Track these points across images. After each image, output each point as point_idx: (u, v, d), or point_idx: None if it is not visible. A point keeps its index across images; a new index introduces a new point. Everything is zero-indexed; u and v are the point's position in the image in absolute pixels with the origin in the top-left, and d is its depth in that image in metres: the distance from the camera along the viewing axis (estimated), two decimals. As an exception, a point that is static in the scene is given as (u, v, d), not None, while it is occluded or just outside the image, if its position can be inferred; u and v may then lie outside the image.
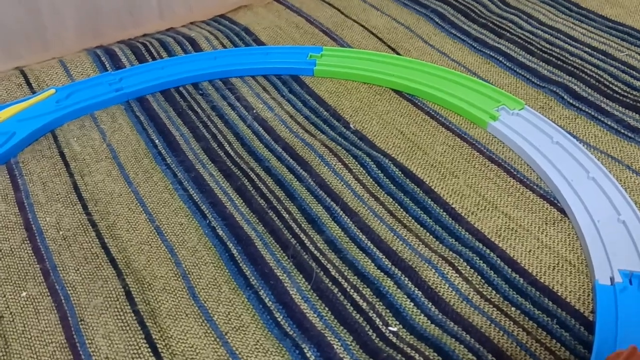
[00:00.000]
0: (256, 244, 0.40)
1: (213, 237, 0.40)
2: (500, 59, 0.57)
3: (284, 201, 0.43)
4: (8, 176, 0.46)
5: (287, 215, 0.42)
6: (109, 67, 0.58)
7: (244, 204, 0.43)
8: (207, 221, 0.42)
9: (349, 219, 0.41)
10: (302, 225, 0.41)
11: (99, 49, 0.60)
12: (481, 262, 0.38)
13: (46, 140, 0.50)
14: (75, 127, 0.51)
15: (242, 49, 0.60)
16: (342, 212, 0.42)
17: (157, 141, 0.49)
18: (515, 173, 0.45)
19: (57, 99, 0.53)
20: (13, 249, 0.40)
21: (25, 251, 0.40)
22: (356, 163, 0.46)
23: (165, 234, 0.41)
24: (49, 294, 0.37)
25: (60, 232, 0.41)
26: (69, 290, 0.37)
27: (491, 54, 0.58)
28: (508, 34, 0.61)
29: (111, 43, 0.64)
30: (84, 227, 0.41)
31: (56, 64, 0.58)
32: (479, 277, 0.37)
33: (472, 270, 0.37)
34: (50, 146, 0.49)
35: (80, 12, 0.60)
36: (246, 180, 0.45)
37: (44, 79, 0.56)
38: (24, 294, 0.37)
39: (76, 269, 0.38)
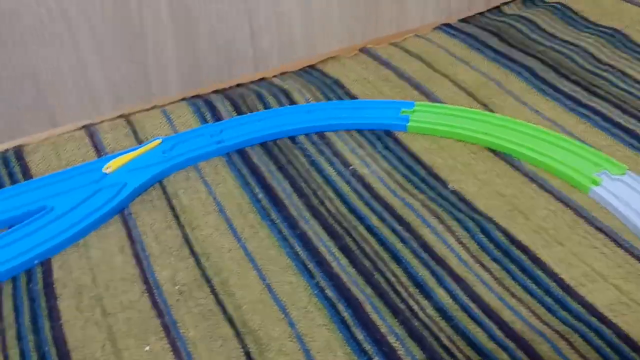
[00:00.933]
0: (365, 308, 0.41)
1: (322, 298, 0.42)
2: (596, 118, 0.57)
3: (389, 263, 0.44)
4: (123, 228, 0.48)
5: (394, 279, 0.43)
6: (209, 117, 0.61)
7: (349, 264, 0.44)
8: (315, 281, 0.43)
9: (456, 285, 0.42)
10: (409, 289, 0.42)
11: (199, 100, 0.63)
12: (597, 338, 0.38)
13: (155, 191, 0.52)
14: (182, 178, 0.53)
15: (334, 103, 0.62)
16: (448, 277, 0.42)
17: (260, 195, 0.51)
18: (622, 243, 0.44)
19: (163, 150, 0.56)
20: (133, 302, 0.42)
21: (145, 304, 0.42)
22: (459, 226, 0.46)
23: (277, 293, 0.42)
24: (171, 349, 0.39)
25: (177, 287, 0.43)
26: (190, 347, 0.39)
27: (585, 112, 0.58)
28: (601, 92, 0.61)
29: (207, 92, 0.67)
30: (199, 282, 0.43)
31: (159, 114, 0.61)
32: (597, 355, 0.37)
33: (589, 347, 0.37)
34: (159, 197, 0.51)
35: (182, 66, 0.63)
36: (349, 239, 0.46)
37: (148, 128, 0.59)
38: (147, 348, 0.39)
39: (195, 325, 0.40)
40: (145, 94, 0.63)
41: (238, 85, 0.68)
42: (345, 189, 0.51)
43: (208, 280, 0.43)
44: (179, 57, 0.62)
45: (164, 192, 0.52)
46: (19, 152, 0.56)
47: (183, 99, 0.65)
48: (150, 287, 0.43)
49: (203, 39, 0.63)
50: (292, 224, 0.48)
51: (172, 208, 0.50)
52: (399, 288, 0.42)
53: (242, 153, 0.56)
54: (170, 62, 0.62)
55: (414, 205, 0.49)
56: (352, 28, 0.71)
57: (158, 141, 0.57)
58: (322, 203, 0.50)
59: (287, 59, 0.69)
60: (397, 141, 0.56)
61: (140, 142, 0.58)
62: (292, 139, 0.58)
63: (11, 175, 0.54)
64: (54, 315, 0.41)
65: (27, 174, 0.54)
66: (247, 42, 0.65)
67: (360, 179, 0.52)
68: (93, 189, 0.52)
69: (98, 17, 0.57)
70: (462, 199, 0.49)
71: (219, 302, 0.42)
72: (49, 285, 0.44)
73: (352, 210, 0.49)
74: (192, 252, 0.46)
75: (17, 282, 0.44)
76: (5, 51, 0.55)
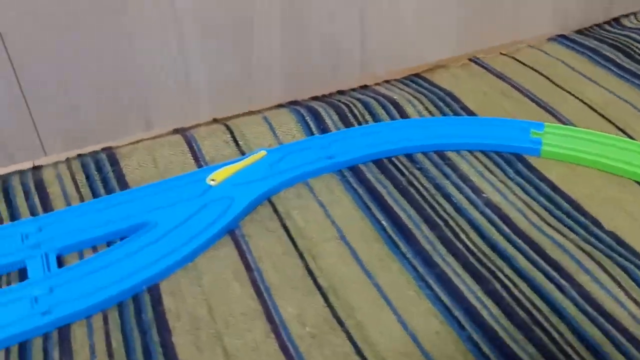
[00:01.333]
0: (532, 370, 0.35)
1: (479, 354, 0.36)
2: None
3: (549, 316, 0.38)
4: (236, 251, 0.43)
5: (558, 336, 0.37)
6: (314, 128, 0.55)
7: (502, 314, 0.38)
8: (466, 333, 0.37)
9: (636, 351, 0.36)
10: (580, 352, 0.36)
11: (301, 108, 0.57)
12: None
13: (264, 209, 0.47)
14: (292, 196, 0.48)
15: (453, 119, 0.56)
16: (625, 340, 0.37)
17: (383, 222, 0.45)
18: None
19: (270, 162, 0.51)
20: (259, 344, 0.37)
21: (272, 347, 0.37)
22: (626, 277, 0.40)
23: (423, 344, 0.37)
24: (310, 406, 0.34)
25: (307, 329, 0.38)
26: (333, 406, 0.34)
27: None
28: None
29: (306, 99, 0.61)
30: (331, 324, 0.38)
31: (261, 120, 0.56)
32: None
33: None
34: (271, 217, 0.46)
35: (286, 66, 0.57)
36: (497, 283, 0.40)
37: (249, 136, 0.54)
38: (280, 402, 0.34)
39: (335, 379, 0.35)
40: (243, 96, 0.57)
41: (339, 92, 0.63)
42: (480, 220, 0.45)
43: (341, 323, 0.38)
44: (284, 56, 0.57)
45: (275, 211, 0.47)
46: (112, 155, 0.51)
47: (281, 106, 0.60)
48: (276, 326, 0.38)
49: (312, 39, 0.57)
50: (427, 260, 0.42)
51: (287, 230, 0.45)
52: (567, 348, 0.36)
53: (354, 170, 0.51)
54: (274, 62, 0.56)
55: (565, 246, 0.43)
56: (462, 36, 0.65)
57: (263, 153, 0.51)
58: (457, 236, 0.44)
59: (395, 65, 0.63)
60: (530, 168, 0.50)
61: (241, 151, 0.53)
62: (409, 156, 0.52)
63: (105, 182, 0.49)
64: (169, 353, 0.36)
65: (122, 181, 0.50)
66: (357, 45, 0.59)
67: (496, 209, 0.46)
68: (198, 203, 0.47)
69: (206, 11, 0.52)
70: (621, 242, 0.43)
71: (358, 351, 0.36)
72: (160, 315, 0.39)
73: (494, 247, 0.43)
74: (317, 286, 0.41)
75: (125, 310, 0.39)
76: (109, 43, 0.50)
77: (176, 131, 0.56)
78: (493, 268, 0.41)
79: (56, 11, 0.46)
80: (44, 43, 0.47)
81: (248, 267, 0.42)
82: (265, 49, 0.55)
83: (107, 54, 0.50)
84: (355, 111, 0.57)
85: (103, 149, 0.53)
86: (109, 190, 0.49)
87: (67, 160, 0.52)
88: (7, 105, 0.49)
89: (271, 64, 0.57)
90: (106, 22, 0.49)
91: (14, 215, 0.46)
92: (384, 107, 0.58)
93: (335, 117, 0.56)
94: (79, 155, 0.52)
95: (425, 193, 0.48)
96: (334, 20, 0.57)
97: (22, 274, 0.41)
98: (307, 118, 0.56)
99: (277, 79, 0.58)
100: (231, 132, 0.54)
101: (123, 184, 0.49)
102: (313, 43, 0.58)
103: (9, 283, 0.41)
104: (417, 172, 0.50)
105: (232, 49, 0.55)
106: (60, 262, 0.42)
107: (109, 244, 0.44)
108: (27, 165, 0.51)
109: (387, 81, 0.63)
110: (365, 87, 0.63)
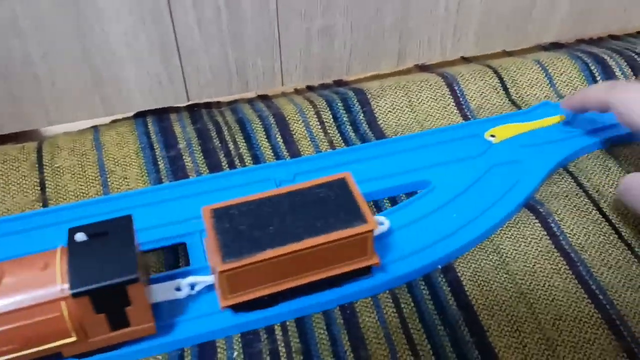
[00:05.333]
0: None
1: None
2: None
3: None
4: (545, 233, 0.33)
5: None
6: (600, 79, 0.44)
7: None
8: None
9: None
10: None
11: (583, 55, 0.46)
12: None
13: (564, 180, 0.37)
14: (597, 168, 0.38)
15: None
16: None
17: None
18: None
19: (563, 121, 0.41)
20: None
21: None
22: None
23: None
24: None
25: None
26: None
27: None
28: None
29: (573, 42, 0.50)
30: None
31: (534, 66, 0.45)
32: None
33: None
34: (577, 193, 0.36)
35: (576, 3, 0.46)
36: None
37: (522, 83, 0.44)
38: None
39: None
40: (519, 34, 0.46)
41: (611, 37, 0.51)
42: None
43: None
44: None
45: (578, 184, 0.37)
46: (361, 93, 0.43)
47: (545, 48, 0.49)
48: (625, 339, 0.29)
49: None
50: None
51: (601, 212, 0.35)
52: None
53: (671, 141, 0.40)
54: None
55: None
56: None
57: (561, 117, 0.41)
58: None
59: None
60: None
61: (511, 101, 0.43)
62: None
63: (355, 125, 0.41)
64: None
65: (374, 126, 0.41)
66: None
67: None
68: (481, 164, 0.38)
69: None
70: None
71: None
72: (466, 308, 0.31)
73: None
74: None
75: (417, 294, 0.31)
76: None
77: (422, 68, 0.47)
78: None
79: None
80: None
81: (568, 258, 0.33)
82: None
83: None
84: (654, 64, 0.45)
85: (354, 86, 0.44)
86: (360, 136, 0.41)
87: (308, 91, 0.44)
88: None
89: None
90: None
91: (256, 156, 0.39)
92: (689, 62, 0.46)
93: (628, 70, 0.45)
94: (322, 86, 0.45)
95: None
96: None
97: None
98: (593, 67, 0.45)
99: (559, 15, 0.46)
100: (499, 77, 0.44)
101: (376, 131, 0.41)
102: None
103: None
104: None
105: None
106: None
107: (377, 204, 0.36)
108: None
109: (674, 29, 0.51)
110: (646, 34, 0.51)
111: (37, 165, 0.38)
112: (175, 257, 0.33)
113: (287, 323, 0.30)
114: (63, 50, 0.37)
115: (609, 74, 0.44)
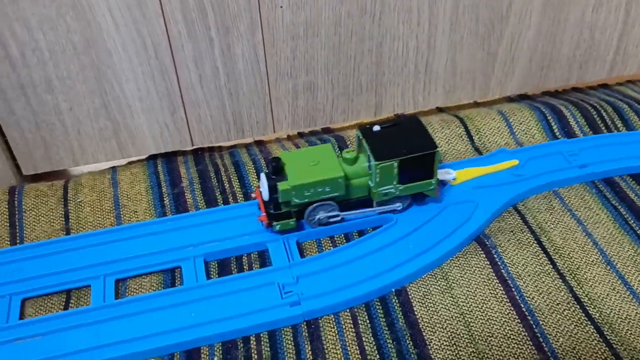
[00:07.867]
0: None
1: None
2: None
3: None
4: (488, 262, 0.39)
5: None
6: (557, 130, 0.50)
7: None
8: None
9: None
10: None
11: (541, 105, 0.52)
12: None
13: (512, 217, 0.43)
14: (542, 207, 0.43)
15: None
16: None
17: (658, 251, 0.39)
18: None
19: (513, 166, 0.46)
20: (530, 375, 0.33)
21: (546, 382, 0.33)
22: None
23: None
24: None
25: (586, 367, 0.33)
26: None
27: None
28: None
29: (537, 94, 0.56)
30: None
31: (497, 116, 0.51)
32: None
33: None
34: (522, 229, 0.41)
35: (536, 58, 0.52)
36: None
37: (484, 131, 0.50)
38: None
39: None
40: (483, 86, 0.52)
41: (575, 89, 0.56)
42: None
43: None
44: (535, 48, 0.51)
45: (524, 221, 0.42)
46: (341, 140, 0.49)
47: (511, 99, 0.55)
48: (547, 357, 0.34)
49: (568, 32, 0.51)
50: None
51: (541, 245, 0.40)
52: None
53: (611, 184, 0.45)
54: (522, 55, 0.51)
55: None
56: None
57: (515, 162, 0.46)
58: None
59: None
60: None
61: (476, 148, 0.49)
62: (677, 177, 0.45)
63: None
64: (429, 369, 0.34)
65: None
66: (614, 40, 0.52)
67: None
68: (440, 204, 0.43)
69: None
70: None
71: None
72: (413, 325, 0.36)
73: None
74: (589, 318, 0.36)
75: (373, 312, 0.37)
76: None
77: (397, 117, 0.53)
78: None
79: None
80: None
81: (505, 285, 0.38)
82: (516, 40, 0.50)
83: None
84: (604, 115, 0.51)
85: (332, 132, 0.51)
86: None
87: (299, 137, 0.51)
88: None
89: (519, 57, 0.51)
90: None
91: (247, 194, 0.45)
92: (637, 112, 0.51)
93: (582, 121, 0.50)
94: (310, 133, 0.51)
95: None
96: (597, 12, 0.50)
97: (262, 258, 0.41)
98: (550, 118, 0.50)
99: (519, 73, 0.52)
100: (464, 126, 0.50)
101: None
102: (568, 35, 0.51)
103: (249, 264, 0.40)
104: (690, 195, 0.43)
105: (482, 40, 0.50)
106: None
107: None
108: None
109: (630, 81, 0.56)
110: (605, 86, 0.56)
111: (62, 200, 0.45)
112: (172, 279, 0.40)
113: (261, 334, 0.36)
114: (87, 104, 0.45)
115: (564, 124, 0.50)
